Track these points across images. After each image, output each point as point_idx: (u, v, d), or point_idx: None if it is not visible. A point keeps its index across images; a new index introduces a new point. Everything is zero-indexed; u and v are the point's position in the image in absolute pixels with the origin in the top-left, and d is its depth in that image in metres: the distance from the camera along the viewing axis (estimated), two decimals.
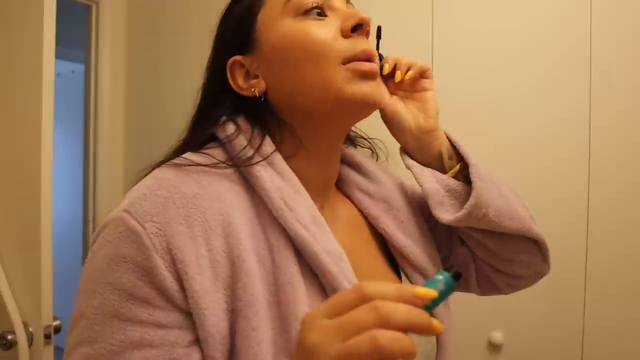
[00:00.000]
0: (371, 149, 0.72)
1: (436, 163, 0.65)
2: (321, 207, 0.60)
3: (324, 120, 0.58)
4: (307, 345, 0.36)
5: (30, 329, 1.18)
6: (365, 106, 0.57)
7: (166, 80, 1.94)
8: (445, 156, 0.65)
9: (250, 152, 0.54)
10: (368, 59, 0.56)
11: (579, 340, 1.30)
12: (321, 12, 0.57)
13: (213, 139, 0.59)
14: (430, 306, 0.37)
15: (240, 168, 0.54)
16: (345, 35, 0.56)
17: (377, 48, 0.66)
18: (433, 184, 0.63)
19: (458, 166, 0.65)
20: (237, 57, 0.59)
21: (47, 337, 1.18)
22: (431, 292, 0.37)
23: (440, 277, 0.39)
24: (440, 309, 0.63)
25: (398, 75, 0.64)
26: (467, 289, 0.75)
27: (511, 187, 0.69)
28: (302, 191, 0.55)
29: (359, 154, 0.70)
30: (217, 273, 0.47)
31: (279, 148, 0.56)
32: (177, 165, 0.53)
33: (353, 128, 0.70)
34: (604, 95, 1.29)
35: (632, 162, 1.27)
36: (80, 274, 0.51)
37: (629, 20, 1.27)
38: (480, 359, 1.40)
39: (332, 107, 0.56)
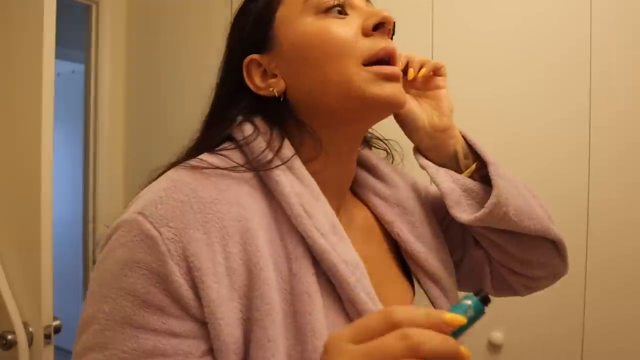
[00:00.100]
0: (387, 151, 0.71)
1: (451, 162, 0.64)
2: (337, 211, 0.59)
3: (344, 120, 0.56)
4: None
5: (30, 329, 1.18)
6: (387, 107, 0.56)
7: (166, 80, 1.94)
8: (461, 155, 0.64)
9: (270, 156, 0.53)
10: (389, 58, 0.55)
11: (579, 340, 1.30)
12: (342, 11, 0.55)
13: (228, 139, 0.57)
14: (457, 332, 0.36)
15: (259, 172, 0.52)
16: (366, 34, 0.55)
17: None
18: (449, 183, 0.62)
19: (474, 165, 0.64)
20: (254, 56, 0.57)
21: (47, 337, 1.18)
22: (460, 319, 0.36)
23: (468, 302, 0.38)
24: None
25: (411, 73, 0.63)
26: None
27: (528, 187, 0.68)
28: (321, 197, 0.53)
29: (374, 156, 0.68)
30: (234, 281, 0.46)
31: (297, 151, 0.55)
32: (195, 167, 0.51)
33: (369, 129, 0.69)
34: (604, 95, 1.29)
35: (632, 162, 1.27)
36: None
37: (629, 20, 1.27)
38: (480, 359, 1.40)
39: (353, 107, 0.54)
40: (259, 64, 0.57)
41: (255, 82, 0.57)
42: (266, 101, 0.56)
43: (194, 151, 0.56)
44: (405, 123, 0.64)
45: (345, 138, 0.58)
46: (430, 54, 1.46)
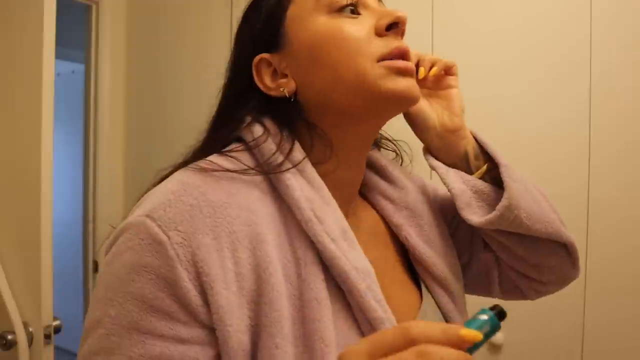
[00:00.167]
0: (396, 152, 0.69)
1: (462, 163, 0.63)
2: (346, 214, 0.57)
3: (356, 119, 0.55)
4: None
5: (30, 329, 1.18)
6: (401, 101, 0.55)
7: (166, 80, 1.94)
8: (472, 156, 0.63)
9: (280, 158, 0.51)
10: (403, 56, 0.54)
11: (579, 339, 1.30)
12: (354, 10, 0.54)
13: (236, 140, 0.56)
14: (473, 349, 0.36)
15: (269, 175, 0.51)
16: (379, 34, 0.54)
17: None
18: (460, 185, 0.61)
19: (485, 166, 0.63)
20: (264, 55, 0.55)
21: (47, 337, 1.18)
22: (477, 335, 0.35)
23: (484, 316, 0.37)
24: (457, 319, 0.62)
25: (421, 72, 0.62)
26: (489, 294, 0.73)
27: (540, 189, 0.67)
28: (332, 201, 0.52)
29: (383, 158, 0.67)
30: (242, 287, 0.45)
31: (308, 153, 0.53)
32: (204, 170, 0.50)
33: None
34: (604, 94, 1.29)
35: (631, 161, 1.27)
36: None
37: (629, 20, 1.27)
38: (481, 359, 1.40)
39: (367, 103, 0.53)
40: (269, 64, 0.56)
41: (265, 82, 0.55)
42: (276, 101, 0.55)
43: (201, 152, 0.55)
44: (416, 123, 0.63)
45: (356, 139, 0.57)
46: (430, 54, 1.46)
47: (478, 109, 1.42)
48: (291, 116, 0.55)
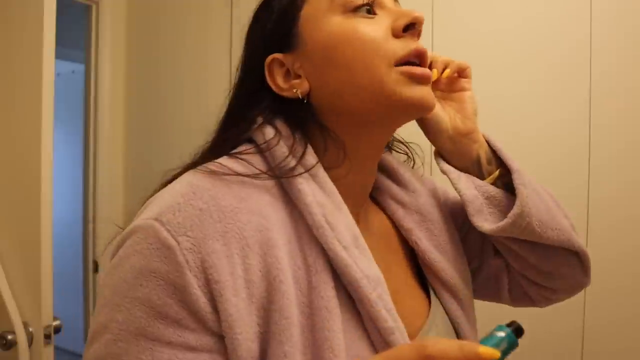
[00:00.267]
0: (407, 154, 0.68)
1: (473, 167, 0.62)
2: (356, 218, 0.56)
3: (369, 124, 0.54)
4: None
5: (30, 329, 1.17)
6: (416, 110, 0.54)
7: (166, 80, 1.94)
8: (484, 160, 0.62)
9: (293, 163, 0.50)
10: (420, 59, 0.53)
11: (579, 339, 1.30)
12: (370, 10, 0.53)
13: (246, 141, 0.54)
14: None
15: (281, 179, 0.50)
16: (396, 35, 0.52)
17: None
18: (471, 190, 0.60)
19: (497, 172, 0.62)
20: (277, 55, 0.54)
21: (47, 337, 1.18)
22: (495, 353, 0.35)
23: (501, 333, 0.37)
24: (467, 331, 0.61)
25: (434, 74, 0.60)
26: (498, 300, 0.72)
27: (551, 194, 0.66)
28: (343, 207, 0.51)
29: (395, 160, 0.66)
30: (252, 294, 0.44)
31: (320, 157, 0.52)
32: (214, 173, 0.48)
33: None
34: (603, 94, 1.29)
35: (631, 160, 1.27)
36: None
37: (629, 20, 1.27)
38: None
39: (382, 109, 0.52)
40: (282, 64, 0.54)
41: (278, 82, 0.54)
42: (288, 103, 0.54)
43: (210, 152, 0.54)
44: (428, 126, 0.62)
45: (369, 143, 0.56)
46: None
47: (478, 108, 1.42)
48: (304, 118, 0.54)
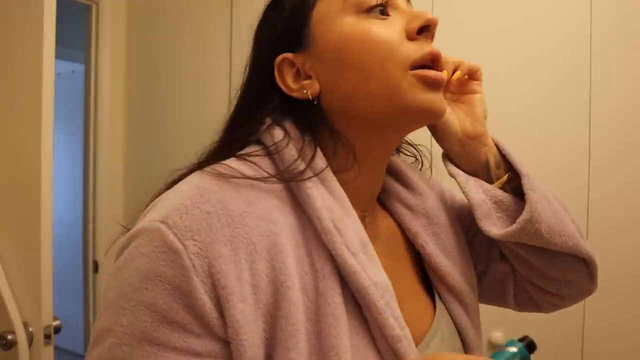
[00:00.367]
0: (415, 157, 0.67)
1: (482, 171, 0.61)
2: (364, 222, 0.55)
3: (380, 127, 0.53)
4: None
5: (30, 329, 1.18)
6: (428, 117, 0.54)
7: (166, 80, 1.94)
8: (493, 164, 0.61)
9: (302, 166, 0.49)
10: (435, 62, 0.52)
11: (579, 339, 1.30)
12: (384, 11, 0.52)
13: (254, 142, 0.53)
14: None
15: (290, 183, 0.49)
16: (410, 37, 0.51)
17: None
18: (479, 194, 0.59)
19: (506, 176, 0.61)
20: (287, 55, 0.53)
21: (47, 337, 1.18)
22: None
23: (513, 349, 0.36)
24: (472, 336, 0.60)
25: (444, 75, 0.59)
26: (503, 305, 0.72)
27: (559, 198, 0.65)
28: (352, 212, 0.50)
29: (402, 163, 0.65)
30: (259, 300, 0.43)
31: (330, 161, 0.51)
32: (222, 175, 0.47)
33: None
34: (603, 95, 1.29)
35: (631, 161, 1.27)
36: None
37: (629, 21, 1.27)
38: None
39: (392, 112, 0.51)
40: (292, 64, 0.53)
41: (288, 82, 0.53)
42: (297, 104, 0.53)
43: (217, 153, 0.53)
44: (437, 128, 0.61)
45: (379, 148, 0.55)
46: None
47: None
48: (313, 120, 0.53)
